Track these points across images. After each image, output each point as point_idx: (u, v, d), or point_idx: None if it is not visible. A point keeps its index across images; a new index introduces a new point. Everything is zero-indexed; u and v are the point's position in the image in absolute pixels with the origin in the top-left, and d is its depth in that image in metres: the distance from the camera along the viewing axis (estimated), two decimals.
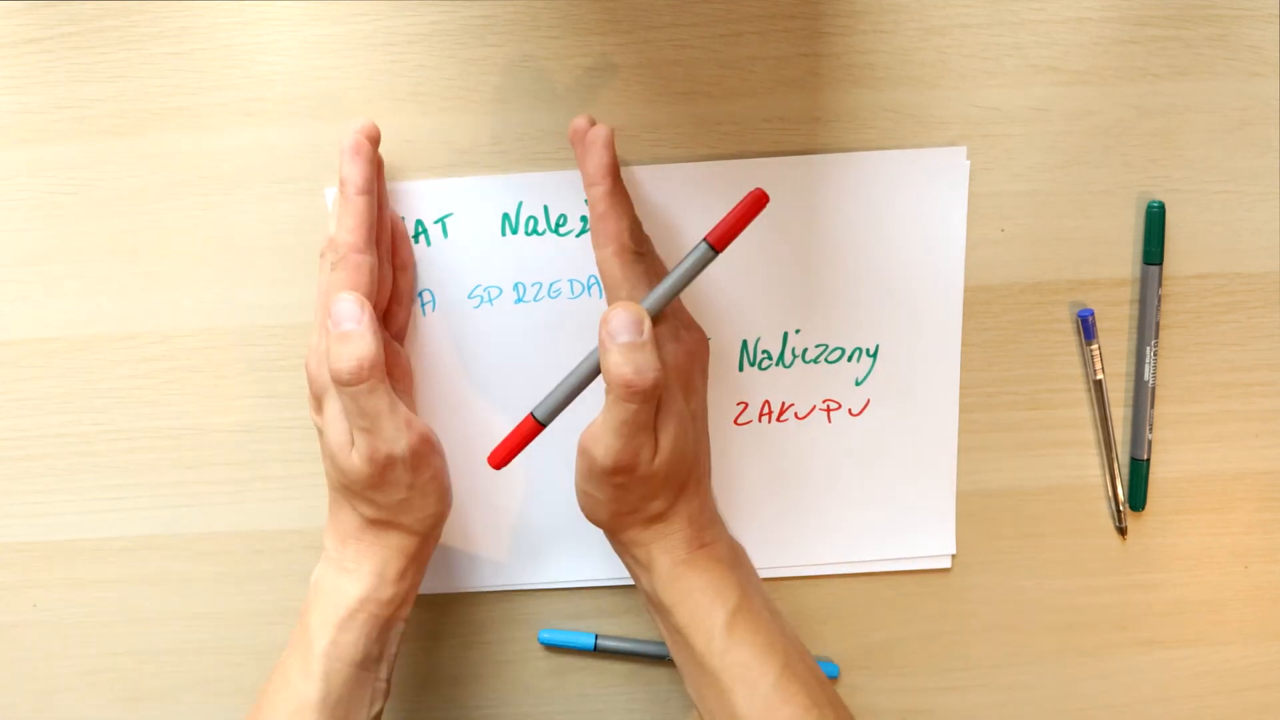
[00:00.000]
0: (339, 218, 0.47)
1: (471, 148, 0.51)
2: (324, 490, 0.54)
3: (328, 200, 0.51)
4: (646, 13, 0.49)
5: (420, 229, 0.51)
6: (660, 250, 0.49)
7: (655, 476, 0.45)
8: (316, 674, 0.46)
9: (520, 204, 0.51)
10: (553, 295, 0.52)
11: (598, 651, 0.55)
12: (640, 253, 0.46)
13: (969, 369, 0.53)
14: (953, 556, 0.56)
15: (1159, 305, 0.52)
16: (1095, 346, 0.53)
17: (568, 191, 0.51)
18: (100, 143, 0.51)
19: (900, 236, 0.51)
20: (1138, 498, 0.55)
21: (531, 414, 0.46)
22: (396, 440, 0.45)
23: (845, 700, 0.56)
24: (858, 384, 0.53)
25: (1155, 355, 0.53)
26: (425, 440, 0.47)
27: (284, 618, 0.56)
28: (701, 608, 0.46)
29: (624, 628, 0.56)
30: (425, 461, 0.47)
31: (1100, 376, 0.53)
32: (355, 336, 0.44)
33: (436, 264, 0.52)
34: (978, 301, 0.53)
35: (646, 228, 0.50)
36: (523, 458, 0.53)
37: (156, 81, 0.50)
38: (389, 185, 0.51)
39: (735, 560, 0.48)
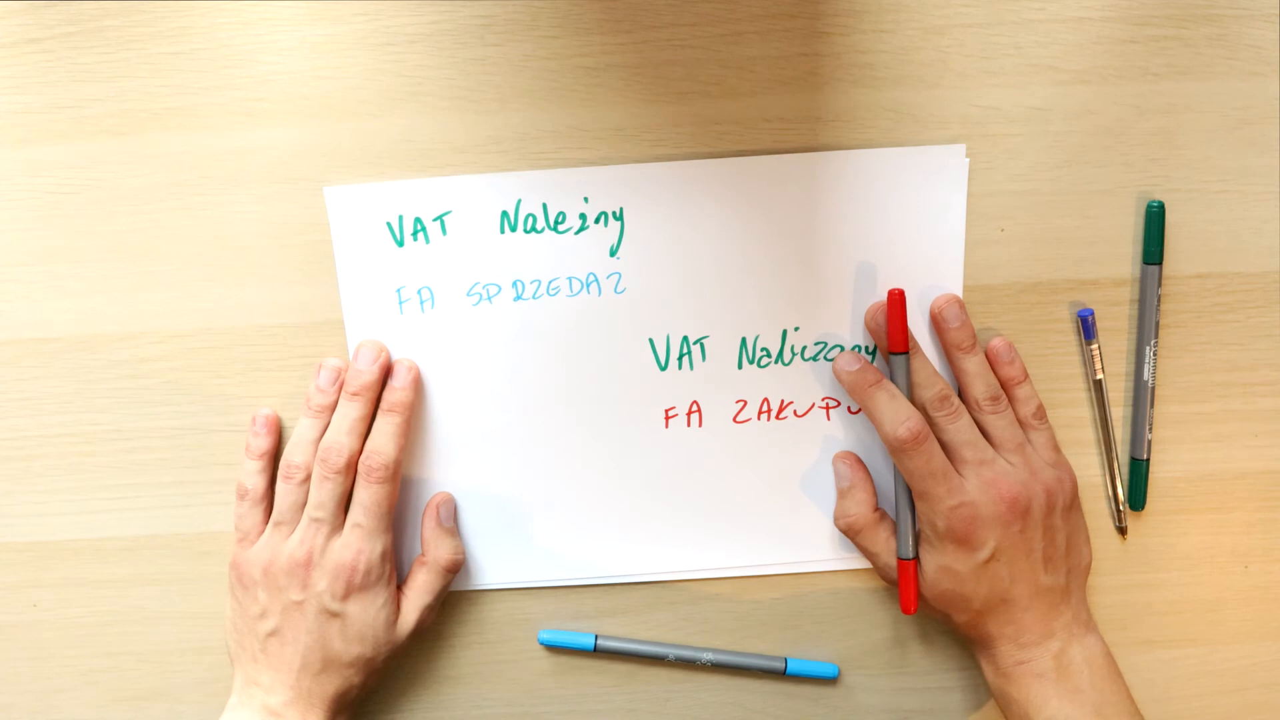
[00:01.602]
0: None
1: (471, 147, 0.51)
2: None
3: (327, 200, 0.51)
4: (646, 13, 0.49)
5: (419, 226, 0.51)
6: (657, 249, 0.49)
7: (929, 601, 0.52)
8: None
9: (519, 202, 0.51)
10: (551, 293, 0.52)
11: (598, 651, 0.55)
12: None
13: None
14: None
15: (1159, 305, 0.52)
16: (1095, 346, 0.53)
17: (566, 189, 0.51)
18: (100, 143, 0.51)
19: (899, 234, 0.51)
20: (1138, 497, 0.55)
21: (899, 558, 0.52)
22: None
23: (845, 700, 0.56)
24: None
25: (1155, 355, 0.53)
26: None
27: None
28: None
29: (624, 628, 0.56)
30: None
31: (1100, 376, 0.53)
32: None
33: (435, 262, 0.52)
34: (978, 301, 0.53)
35: (648, 226, 0.50)
36: (522, 458, 0.54)
37: (156, 81, 0.50)
38: (387, 184, 0.51)
39: (1062, 674, 0.49)
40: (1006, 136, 0.51)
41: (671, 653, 0.55)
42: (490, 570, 0.55)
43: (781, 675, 0.56)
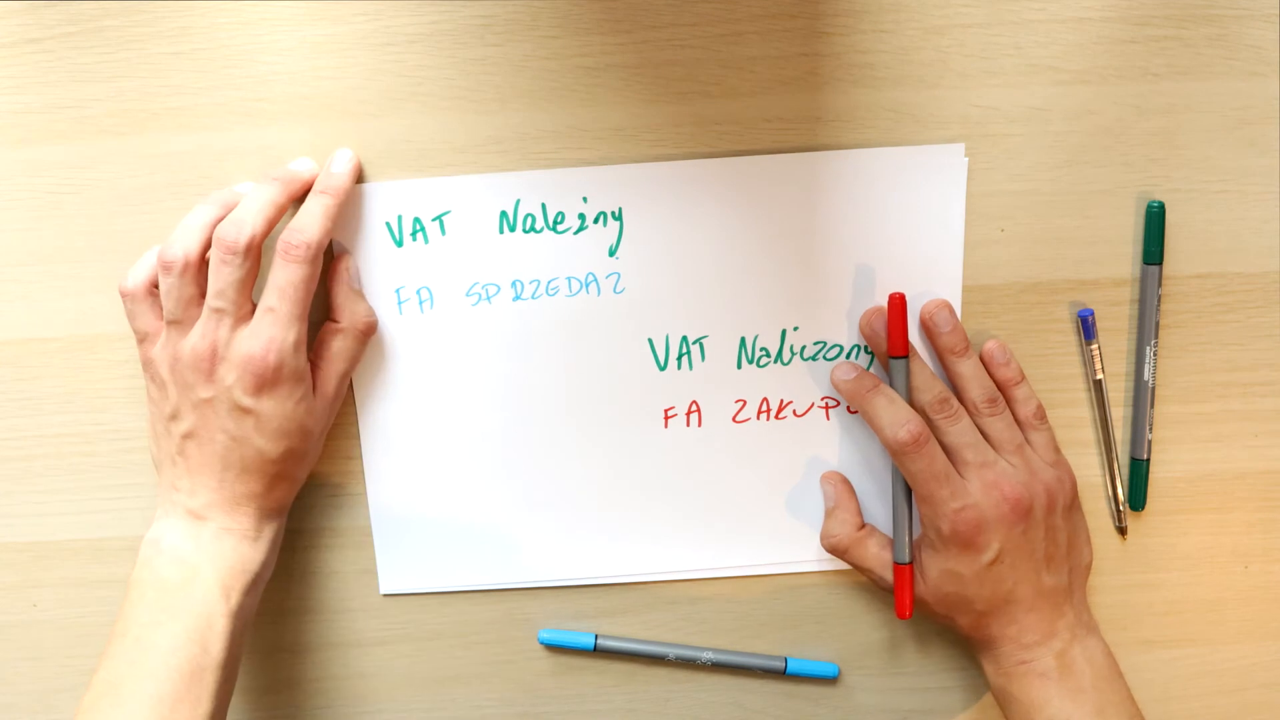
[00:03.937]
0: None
1: (471, 147, 0.51)
2: (324, 490, 0.54)
3: None
4: (646, 13, 0.49)
5: (418, 226, 0.51)
6: (656, 249, 0.49)
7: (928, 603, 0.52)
8: (224, 634, 0.46)
9: (518, 202, 0.51)
10: (550, 293, 0.52)
11: (598, 651, 0.55)
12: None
13: None
14: None
15: (1159, 305, 0.52)
16: (1095, 346, 0.53)
17: (565, 189, 0.51)
18: (100, 143, 0.51)
19: (899, 233, 0.51)
20: (1138, 498, 0.55)
21: (895, 562, 0.52)
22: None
23: (845, 700, 0.56)
24: None
25: (1155, 355, 0.53)
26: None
27: (283, 616, 0.56)
28: None
29: (624, 628, 0.56)
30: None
31: (1100, 376, 0.53)
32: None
33: (434, 262, 0.52)
34: (977, 301, 0.53)
35: (647, 226, 0.50)
36: (522, 457, 0.54)
37: (156, 81, 0.50)
38: (385, 183, 0.51)
39: (1065, 674, 0.49)
40: (1006, 136, 0.51)
41: (671, 653, 0.55)
42: (490, 570, 0.55)
43: (781, 675, 0.56)
